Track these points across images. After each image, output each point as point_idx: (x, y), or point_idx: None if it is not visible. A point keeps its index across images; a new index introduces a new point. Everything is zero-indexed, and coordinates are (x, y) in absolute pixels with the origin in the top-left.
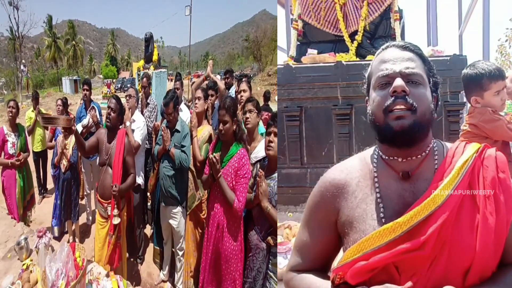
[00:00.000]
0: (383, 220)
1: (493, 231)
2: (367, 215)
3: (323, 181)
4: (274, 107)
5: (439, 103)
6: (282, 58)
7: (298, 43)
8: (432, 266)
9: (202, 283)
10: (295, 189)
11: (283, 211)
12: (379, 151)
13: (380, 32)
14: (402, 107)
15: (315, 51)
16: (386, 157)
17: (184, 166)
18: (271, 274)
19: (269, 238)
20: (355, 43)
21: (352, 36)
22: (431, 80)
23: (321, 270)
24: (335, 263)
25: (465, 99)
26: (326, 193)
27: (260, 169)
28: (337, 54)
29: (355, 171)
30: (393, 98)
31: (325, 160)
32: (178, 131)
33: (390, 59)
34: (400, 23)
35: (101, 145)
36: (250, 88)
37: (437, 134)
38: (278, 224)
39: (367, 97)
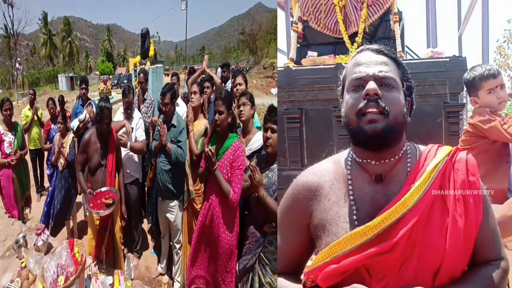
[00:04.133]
0: (356, 222)
1: (462, 232)
2: (340, 218)
3: (296, 184)
4: (269, 100)
5: (413, 107)
6: (282, 61)
7: (298, 45)
8: (403, 268)
9: (190, 272)
10: None
11: None
12: (353, 154)
13: (379, 34)
14: (375, 110)
15: (315, 53)
16: (360, 160)
17: (180, 161)
18: (267, 261)
19: (265, 226)
20: (355, 45)
21: (352, 38)
22: (404, 84)
23: (293, 273)
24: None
25: (465, 100)
26: (299, 196)
27: (252, 163)
28: (337, 56)
29: (328, 173)
30: (365, 101)
31: None
32: (174, 126)
33: (364, 62)
34: (399, 25)
35: (93, 147)
36: (245, 81)
37: (437, 136)
38: None
39: (341, 99)
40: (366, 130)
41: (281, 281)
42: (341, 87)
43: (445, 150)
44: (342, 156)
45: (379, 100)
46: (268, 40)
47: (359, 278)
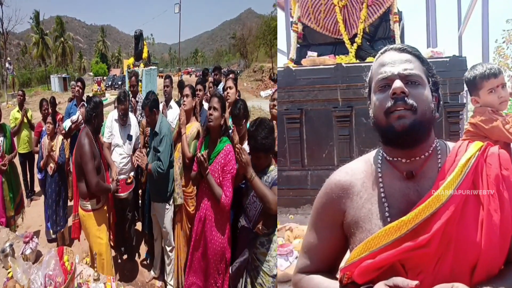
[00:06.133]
0: (388, 219)
1: (498, 228)
2: (373, 214)
3: (328, 183)
4: (259, 103)
5: (441, 102)
6: (282, 61)
7: (298, 45)
8: (439, 264)
9: (187, 275)
10: (296, 191)
11: (284, 213)
12: (383, 153)
13: (379, 34)
14: (402, 108)
15: (315, 54)
16: (390, 158)
17: (161, 173)
18: (259, 263)
19: (258, 227)
20: (355, 45)
21: (352, 38)
22: (430, 80)
23: (329, 271)
24: (342, 263)
25: (465, 100)
26: (332, 194)
27: (238, 145)
28: (337, 56)
29: (359, 172)
30: (393, 100)
31: (326, 162)
32: (157, 133)
33: (388, 62)
34: (399, 25)
35: (96, 152)
36: (236, 85)
37: (437, 135)
38: (279, 226)
39: (369, 101)
40: (395, 127)
41: (318, 278)
42: (367, 89)
43: (476, 145)
44: (372, 155)
45: (406, 98)
46: (257, 45)
47: (394, 274)
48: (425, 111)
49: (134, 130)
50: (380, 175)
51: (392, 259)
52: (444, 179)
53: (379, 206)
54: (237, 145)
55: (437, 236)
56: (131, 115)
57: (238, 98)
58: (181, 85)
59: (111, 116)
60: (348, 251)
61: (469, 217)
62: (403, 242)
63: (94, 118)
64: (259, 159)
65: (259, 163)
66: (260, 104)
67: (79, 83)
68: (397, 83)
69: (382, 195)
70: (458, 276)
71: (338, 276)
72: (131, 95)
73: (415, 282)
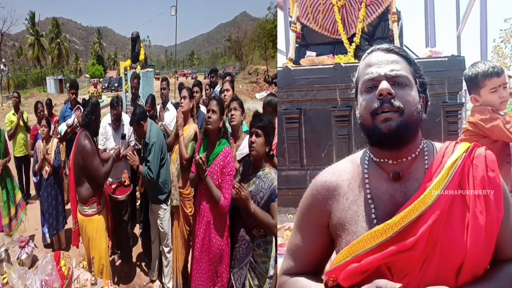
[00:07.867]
0: (375, 221)
1: (483, 229)
2: (359, 216)
3: (314, 184)
4: (254, 105)
5: (428, 103)
6: (281, 61)
7: (297, 45)
8: (424, 266)
9: (194, 280)
10: (295, 190)
11: (283, 213)
12: (370, 154)
13: (378, 33)
14: (389, 110)
15: (314, 53)
16: (377, 159)
17: (150, 179)
18: (255, 264)
19: (254, 229)
20: (353, 45)
21: (351, 38)
22: (417, 81)
23: (314, 273)
24: (328, 266)
25: (463, 100)
26: (318, 195)
27: (236, 184)
28: (335, 56)
29: (346, 173)
30: (379, 101)
31: (325, 162)
32: (147, 143)
33: (375, 63)
34: (398, 25)
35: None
36: (233, 87)
37: (436, 135)
38: (279, 226)
39: (355, 102)
40: (382, 129)
41: (303, 280)
42: (354, 90)
43: (463, 146)
44: (359, 155)
45: (392, 100)
46: (252, 47)
47: (380, 277)
48: (412, 112)
49: (127, 127)
50: (366, 176)
51: (377, 262)
52: (430, 181)
53: (366, 208)
54: (236, 183)
55: (423, 239)
56: (123, 114)
57: None
58: (180, 87)
59: (104, 122)
60: (334, 252)
61: (455, 219)
62: (389, 246)
63: (94, 121)
64: (257, 137)
65: (256, 143)
66: (255, 106)
67: (72, 90)
68: (384, 84)
69: (369, 196)
70: (444, 277)
71: (323, 277)
72: (129, 98)
73: (398, 285)
